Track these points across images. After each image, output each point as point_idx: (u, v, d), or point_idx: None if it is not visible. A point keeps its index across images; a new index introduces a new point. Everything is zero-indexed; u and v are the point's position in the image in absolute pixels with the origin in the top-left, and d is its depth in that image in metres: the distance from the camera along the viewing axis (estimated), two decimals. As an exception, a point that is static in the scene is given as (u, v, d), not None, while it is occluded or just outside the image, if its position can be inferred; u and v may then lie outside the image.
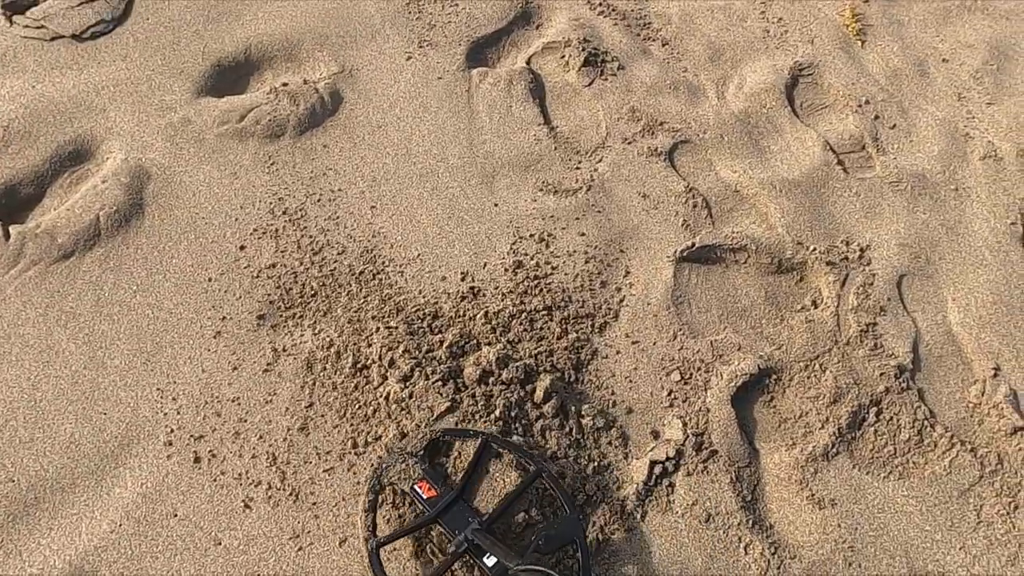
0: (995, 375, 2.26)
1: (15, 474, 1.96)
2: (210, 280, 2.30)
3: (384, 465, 1.90)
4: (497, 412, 2.00)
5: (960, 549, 2.00)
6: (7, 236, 2.31)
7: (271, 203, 2.46)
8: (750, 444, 2.09)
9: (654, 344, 2.23)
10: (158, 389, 2.11)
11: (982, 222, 2.62)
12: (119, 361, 2.15)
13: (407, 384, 2.04)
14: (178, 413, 2.07)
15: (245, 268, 2.33)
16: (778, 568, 1.91)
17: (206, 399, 2.09)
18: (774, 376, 2.20)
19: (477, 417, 1.99)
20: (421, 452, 1.91)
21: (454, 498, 1.83)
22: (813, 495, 2.02)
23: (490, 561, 1.72)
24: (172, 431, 2.04)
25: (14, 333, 2.18)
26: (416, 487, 1.86)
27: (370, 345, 2.15)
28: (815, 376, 2.19)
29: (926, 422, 2.15)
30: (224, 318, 2.23)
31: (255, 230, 2.40)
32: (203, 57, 2.79)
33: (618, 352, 2.21)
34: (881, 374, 2.20)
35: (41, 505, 1.93)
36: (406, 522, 1.87)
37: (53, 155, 2.52)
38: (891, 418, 2.15)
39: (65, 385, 2.10)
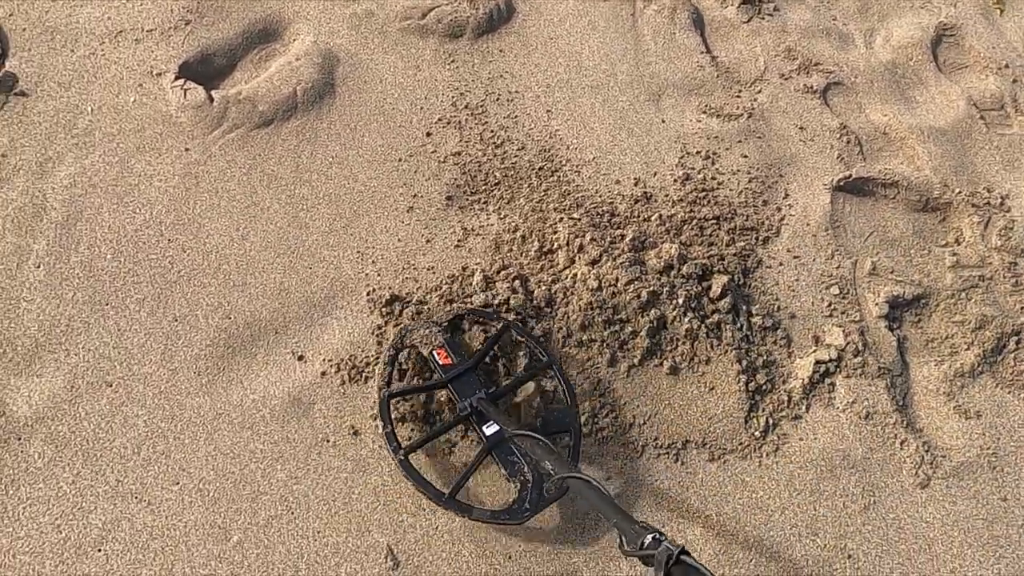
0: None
1: (231, 312, 2.10)
2: (400, 160, 2.43)
3: (410, 328, 2.01)
4: (680, 300, 2.15)
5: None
6: (211, 100, 2.43)
7: (453, 97, 2.59)
8: (901, 357, 2.26)
9: (814, 260, 2.39)
10: (358, 252, 2.24)
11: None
12: (320, 223, 2.28)
13: (594, 267, 2.19)
14: (378, 275, 2.21)
15: (432, 153, 2.46)
16: (931, 464, 2.08)
17: (403, 265, 2.24)
18: (923, 300, 2.36)
19: (661, 300, 2.15)
20: (445, 324, 2.02)
21: (467, 369, 1.93)
22: (959, 406, 2.19)
23: (490, 430, 1.84)
24: (373, 290, 2.18)
25: (221, 188, 2.30)
26: (435, 353, 1.97)
27: (555, 232, 2.29)
28: (960, 304, 2.35)
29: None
30: (416, 195, 2.37)
31: (439, 119, 2.53)
32: (382, -47, 2.89)
33: (781, 264, 2.37)
34: (1021, 308, 2.37)
35: (257, 343, 2.07)
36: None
37: (245, 30, 2.63)
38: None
39: (272, 239, 2.24)
